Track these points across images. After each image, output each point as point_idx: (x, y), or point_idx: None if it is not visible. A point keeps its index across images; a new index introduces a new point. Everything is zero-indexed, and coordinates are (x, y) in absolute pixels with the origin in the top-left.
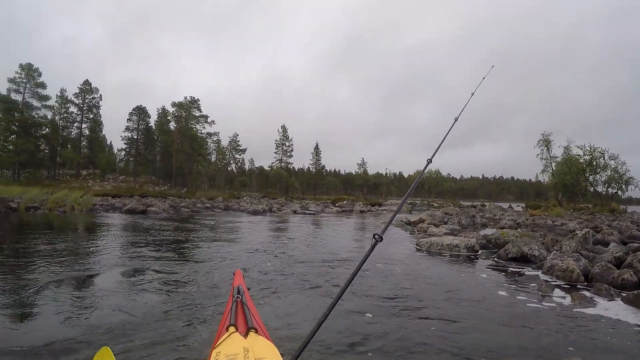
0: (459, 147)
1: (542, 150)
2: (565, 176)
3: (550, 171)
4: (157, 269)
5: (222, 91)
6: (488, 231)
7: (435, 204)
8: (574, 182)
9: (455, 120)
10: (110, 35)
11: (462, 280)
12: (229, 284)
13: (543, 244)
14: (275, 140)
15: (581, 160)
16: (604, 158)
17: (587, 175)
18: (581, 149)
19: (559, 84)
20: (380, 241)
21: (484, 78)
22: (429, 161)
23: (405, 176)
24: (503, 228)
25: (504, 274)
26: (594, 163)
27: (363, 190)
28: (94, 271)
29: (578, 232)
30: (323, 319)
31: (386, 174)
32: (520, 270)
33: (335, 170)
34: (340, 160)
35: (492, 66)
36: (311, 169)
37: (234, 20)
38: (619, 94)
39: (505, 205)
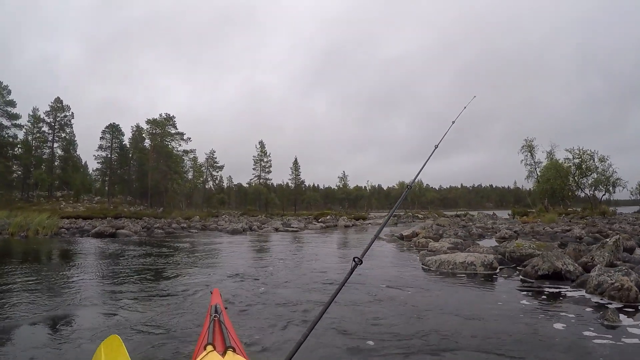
0: (437, 157)
1: (526, 156)
2: (555, 181)
3: (536, 177)
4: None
5: (200, 109)
6: (488, 242)
7: (420, 215)
8: (562, 186)
9: (436, 148)
10: (89, 54)
11: (491, 306)
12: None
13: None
14: (254, 156)
15: (570, 164)
16: (593, 160)
17: (577, 178)
18: (570, 152)
19: (534, 91)
20: (360, 264)
21: (465, 107)
22: (409, 187)
23: (385, 188)
24: (503, 238)
25: (543, 297)
26: (584, 166)
27: (345, 204)
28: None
29: (606, 240)
30: (303, 339)
31: (366, 187)
32: (557, 290)
33: (314, 185)
34: (320, 174)
35: (474, 96)
36: (290, 184)
37: (213, 38)
38: (593, 100)
39: (488, 213)
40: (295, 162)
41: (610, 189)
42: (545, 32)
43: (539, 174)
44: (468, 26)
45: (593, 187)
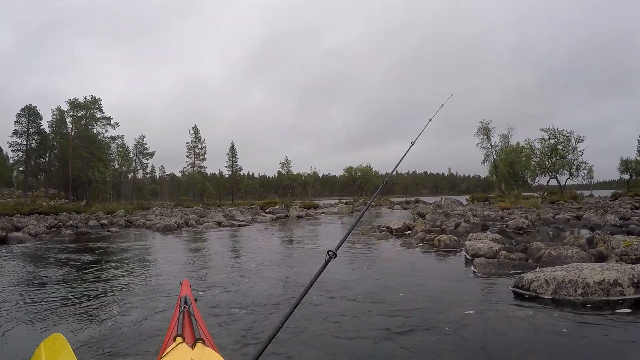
0: (373, 145)
1: (482, 139)
2: (513, 165)
3: (492, 160)
4: None
5: (138, 99)
6: (490, 237)
7: (372, 203)
8: (523, 170)
9: (412, 144)
10: (22, 42)
11: None
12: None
13: None
14: (187, 143)
15: (543, 145)
16: (570, 141)
17: (553, 160)
18: (546, 132)
19: (468, 83)
20: (334, 257)
21: (442, 105)
22: (385, 182)
23: (320, 176)
24: (521, 229)
25: None
26: (560, 147)
27: (289, 191)
28: None
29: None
30: (275, 332)
31: (309, 173)
32: None
33: (250, 173)
34: (257, 164)
35: (452, 94)
36: (227, 172)
37: (154, 26)
38: (524, 92)
39: (451, 198)
40: (232, 148)
41: (574, 172)
42: (482, 26)
43: (495, 157)
44: (408, 18)
45: (554, 172)
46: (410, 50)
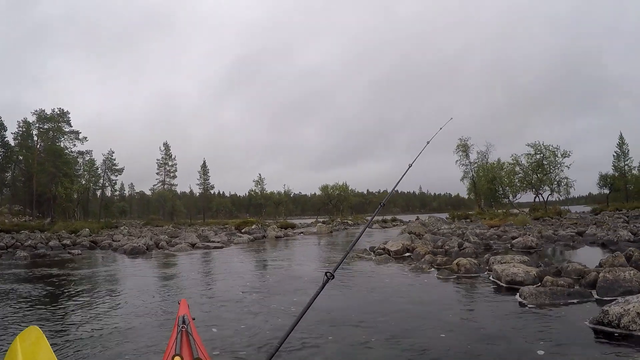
0: (346, 164)
1: (461, 156)
2: (492, 183)
3: (471, 177)
4: None
5: (111, 114)
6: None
7: (349, 222)
8: (505, 187)
9: (410, 167)
10: None
11: None
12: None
13: None
14: (157, 160)
15: (530, 161)
16: (556, 156)
17: (539, 175)
18: (532, 147)
19: (443, 101)
20: (332, 279)
21: (441, 128)
22: (382, 204)
23: (291, 195)
24: (531, 247)
25: None
26: (545, 162)
27: (263, 210)
28: None
29: None
30: (274, 351)
31: (284, 192)
32: None
33: (221, 192)
34: (229, 182)
35: (451, 118)
36: (198, 190)
37: (129, 42)
38: (496, 110)
39: (434, 216)
40: (204, 165)
41: (555, 188)
42: (455, 47)
43: (474, 174)
44: (385, 38)
45: (536, 187)
46: (385, 70)
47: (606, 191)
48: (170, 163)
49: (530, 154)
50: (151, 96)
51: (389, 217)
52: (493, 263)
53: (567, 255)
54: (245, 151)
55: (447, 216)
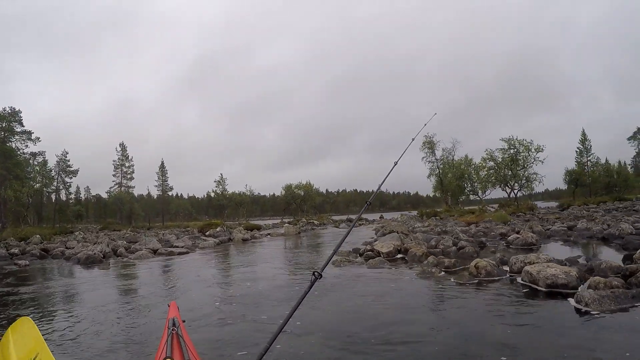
0: (304, 164)
1: (427, 153)
2: (459, 180)
3: (438, 174)
4: None
5: (67, 116)
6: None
7: (315, 222)
8: (474, 182)
9: (395, 164)
10: None
11: None
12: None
13: None
14: (114, 161)
15: (505, 155)
16: (529, 150)
17: (514, 170)
18: (506, 142)
19: (399, 101)
20: (320, 278)
21: (425, 124)
22: (368, 203)
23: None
24: (532, 244)
25: None
26: (520, 157)
27: (225, 212)
28: None
29: None
30: (264, 352)
31: (246, 192)
32: None
33: (179, 194)
34: (187, 184)
35: (435, 113)
36: (156, 192)
37: (86, 42)
38: (453, 109)
39: (406, 213)
40: (162, 166)
41: (524, 183)
42: (413, 48)
43: (440, 170)
44: (342, 39)
45: (511, 182)
46: (342, 71)
47: (563, 187)
48: (127, 164)
49: (504, 149)
50: (108, 97)
51: (353, 217)
52: (514, 263)
53: (573, 252)
54: (204, 152)
55: (416, 213)
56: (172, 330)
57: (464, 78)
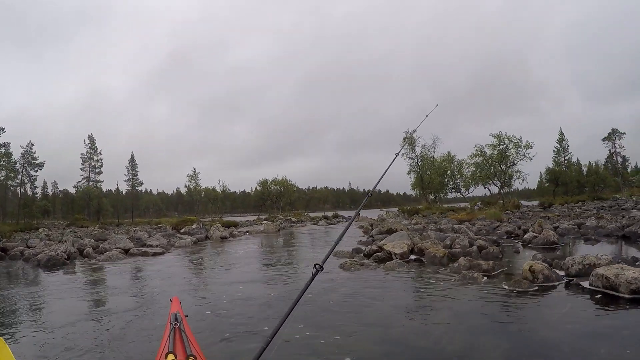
0: (276, 161)
1: (407, 149)
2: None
3: (417, 171)
4: None
5: (37, 109)
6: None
7: (293, 218)
8: (456, 179)
9: (397, 156)
10: None
11: None
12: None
13: None
14: (82, 154)
15: (494, 151)
16: (520, 147)
17: (503, 167)
18: (495, 137)
19: (369, 101)
20: (321, 270)
21: (427, 116)
22: (370, 194)
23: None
24: (554, 243)
25: None
26: (509, 154)
27: (197, 208)
28: None
29: None
30: (265, 346)
31: (220, 188)
32: None
33: (148, 190)
34: (157, 180)
35: (436, 105)
36: (125, 187)
37: (59, 34)
38: (423, 109)
39: (391, 210)
40: (132, 160)
41: (506, 180)
42: (385, 49)
43: (420, 167)
44: (316, 37)
45: (501, 179)
46: (314, 69)
47: (532, 186)
48: (95, 158)
49: (494, 145)
50: (79, 91)
51: (330, 214)
52: (571, 265)
53: (610, 250)
54: (174, 148)
55: (397, 211)
56: (175, 325)
57: (436, 79)
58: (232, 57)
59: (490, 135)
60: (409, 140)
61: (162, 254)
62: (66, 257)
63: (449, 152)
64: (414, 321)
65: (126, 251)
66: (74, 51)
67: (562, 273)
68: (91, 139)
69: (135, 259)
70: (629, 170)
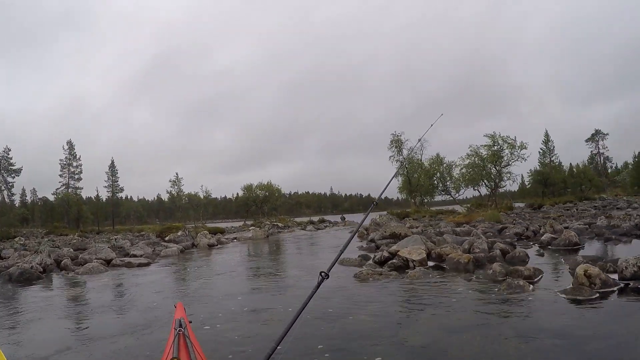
0: (256, 167)
1: (394, 151)
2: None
3: (405, 173)
4: None
5: (16, 115)
6: None
7: (279, 224)
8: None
9: (402, 164)
10: None
11: None
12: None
13: None
14: (60, 160)
15: (489, 152)
16: (514, 148)
17: (497, 168)
18: (490, 138)
19: (350, 106)
20: (327, 278)
21: (432, 125)
22: (375, 203)
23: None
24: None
25: None
26: (504, 154)
27: (180, 214)
28: None
29: None
30: (271, 352)
31: (206, 193)
32: None
33: (128, 196)
34: (136, 186)
35: (441, 114)
36: (105, 194)
37: (39, 38)
38: (402, 113)
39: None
40: (112, 165)
41: (497, 182)
42: (368, 54)
43: (407, 169)
44: (297, 43)
45: (496, 180)
46: (296, 74)
47: (513, 188)
48: (74, 164)
49: (489, 145)
50: (59, 96)
51: (315, 219)
52: (625, 268)
53: (631, 251)
54: (154, 154)
55: (386, 214)
56: (179, 330)
57: (415, 84)
58: (214, 61)
59: (484, 135)
60: (397, 144)
61: (147, 264)
62: (42, 269)
63: (437, 154)
64: (479, 345)
65: (108, 262)
66: (55, 55)
67: (615, 277)
68: (70, 145)
69: (119, 271)
70: (609, 171)
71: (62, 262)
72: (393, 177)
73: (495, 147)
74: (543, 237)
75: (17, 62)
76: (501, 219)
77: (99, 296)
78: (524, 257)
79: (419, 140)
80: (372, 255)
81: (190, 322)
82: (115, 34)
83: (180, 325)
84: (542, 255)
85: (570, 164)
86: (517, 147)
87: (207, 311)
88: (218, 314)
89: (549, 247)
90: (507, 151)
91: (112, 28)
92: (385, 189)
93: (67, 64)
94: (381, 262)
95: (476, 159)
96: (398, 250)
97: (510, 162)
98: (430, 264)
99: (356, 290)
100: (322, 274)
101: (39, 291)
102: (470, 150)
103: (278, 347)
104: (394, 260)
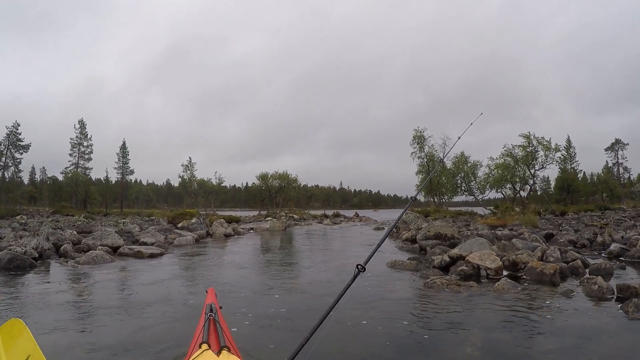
0: (266, 157)
1: (416, 148)
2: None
3: (426, 170)
4: None
5: (31, 95)
6: None
7: (295, 216)
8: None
9: (440, 161)
10: None
11: None
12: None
13: None
14: (71, 139)
15: (525, 152)
16: (549, 150)
17: (531, 170)
18: (525, 138)
19: (361, 102)
20: (363, 271)
21: (471, 123)
22: (413, 199)
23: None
24: None
25: None
26: (539, 155)
27: (191, 199)
28: None
29: None
30: (304, 342)
31: (219, 180)
32: None
33: (138, 180)
34: (146, 170)
35: (481, 113)
36: (111, 177)
37: (58, 21)
38: (414, 112)
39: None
40: (124, 147)
41: (520, 185)
42: (383, 51)
43: (428, 166)
44: (312, 37)
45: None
46: (309, 68)
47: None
48: (85, 144)
49: (524, 146)
50: (74, 79)
51: (330, 212)
52: None
53: None
54: (165, 139)
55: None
56: (210, 315)
57: (428, 83)
58: (230, 52)
59: (519, 135)
60: (419, 140)
61: (160, 255)
62: (38, 255)
63: (462, 153)
64: None
65: (115, 250)
66: (72, 39)
67: None
68: (82, 124)
69: (127, 262)
70: (624, 182)
71: (62, 246)
72: (430, 175)
73: (530, 148)
74: (611, 247)
75: (34, 44)
76: (538, 224)
77: (99, 299)
78: (609, 269)
79: (459, 138)
80: (422, 259)
81: (221, 307)
82: (133, 20)
83: (211, 310)
84: (623, 268)
85: (584, 172)
86: (551, 149)
87: (241, 311)
88: (249, 313)
89: (621, 258)
90: (541, 153)
91: (130, 14)
92: (423, 185)
93: (84, 47)
94: (444, 268)
95: (510, 159)
96: (465, 255)
97: (544, 165)
98: (505, 273)
99: (442, 304)
100: (359, 266)
101: (28, 284)
102: (505, 150)
103: (311, 337)
104: (464, 267)
